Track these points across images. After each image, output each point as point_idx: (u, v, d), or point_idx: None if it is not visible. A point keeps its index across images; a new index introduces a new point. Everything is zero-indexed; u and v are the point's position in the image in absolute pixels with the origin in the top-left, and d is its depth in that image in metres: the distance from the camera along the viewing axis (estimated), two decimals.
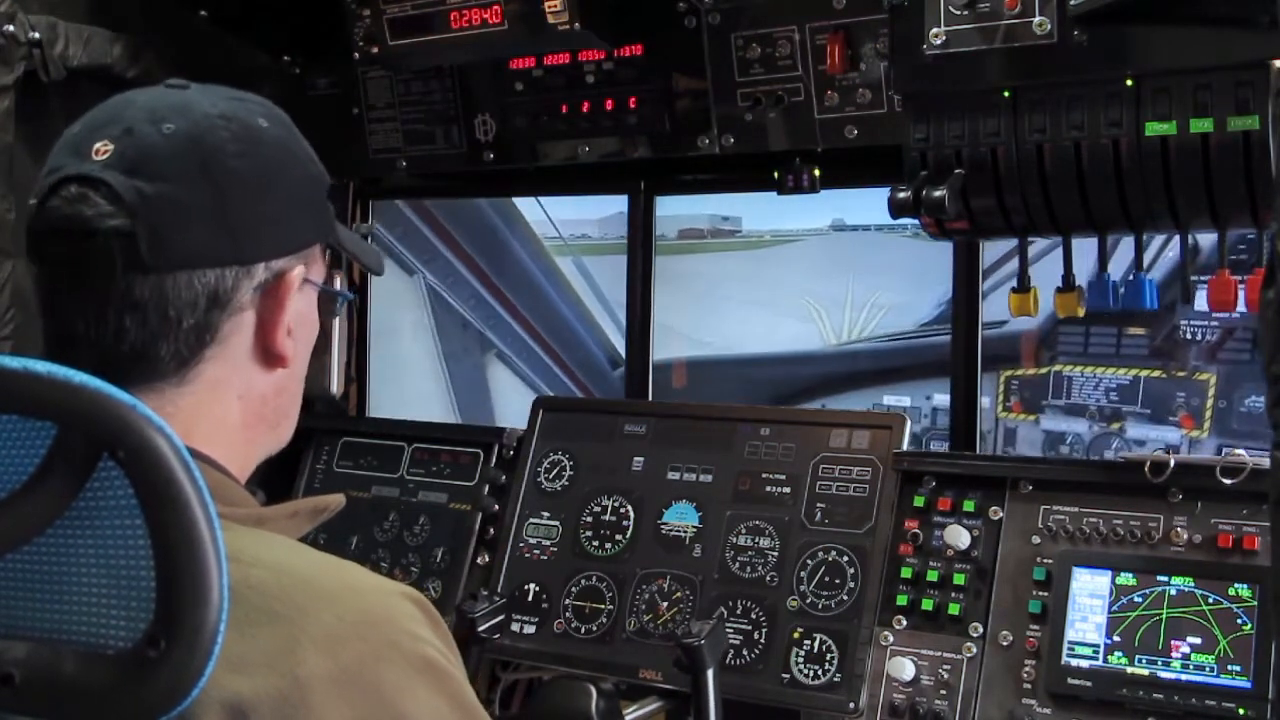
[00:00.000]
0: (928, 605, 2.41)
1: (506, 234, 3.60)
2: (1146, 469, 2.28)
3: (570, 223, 3.50)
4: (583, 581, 2.76)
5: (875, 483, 2.57)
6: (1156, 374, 2.61)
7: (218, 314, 1.26)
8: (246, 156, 1.26)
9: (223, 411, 1.30)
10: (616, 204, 3.39)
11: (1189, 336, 2.56)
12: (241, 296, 1.27)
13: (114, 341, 1.22)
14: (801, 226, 3.12)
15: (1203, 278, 2.24)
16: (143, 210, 1.20)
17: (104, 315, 1.22)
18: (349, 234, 1.53)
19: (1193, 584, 2.21)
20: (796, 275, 3.15)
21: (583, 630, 2.71)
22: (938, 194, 2.07)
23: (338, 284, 1.85)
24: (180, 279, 1.22)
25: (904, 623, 2.43)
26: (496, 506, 2.94)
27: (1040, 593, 2.33)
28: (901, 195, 2.12)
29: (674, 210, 3.34)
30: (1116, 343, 2.64)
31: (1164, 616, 2.21)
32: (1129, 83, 1.98)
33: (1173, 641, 2.19)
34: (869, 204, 2.99)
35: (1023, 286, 2.27)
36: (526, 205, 3.54)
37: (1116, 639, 2.23)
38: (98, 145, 1.23)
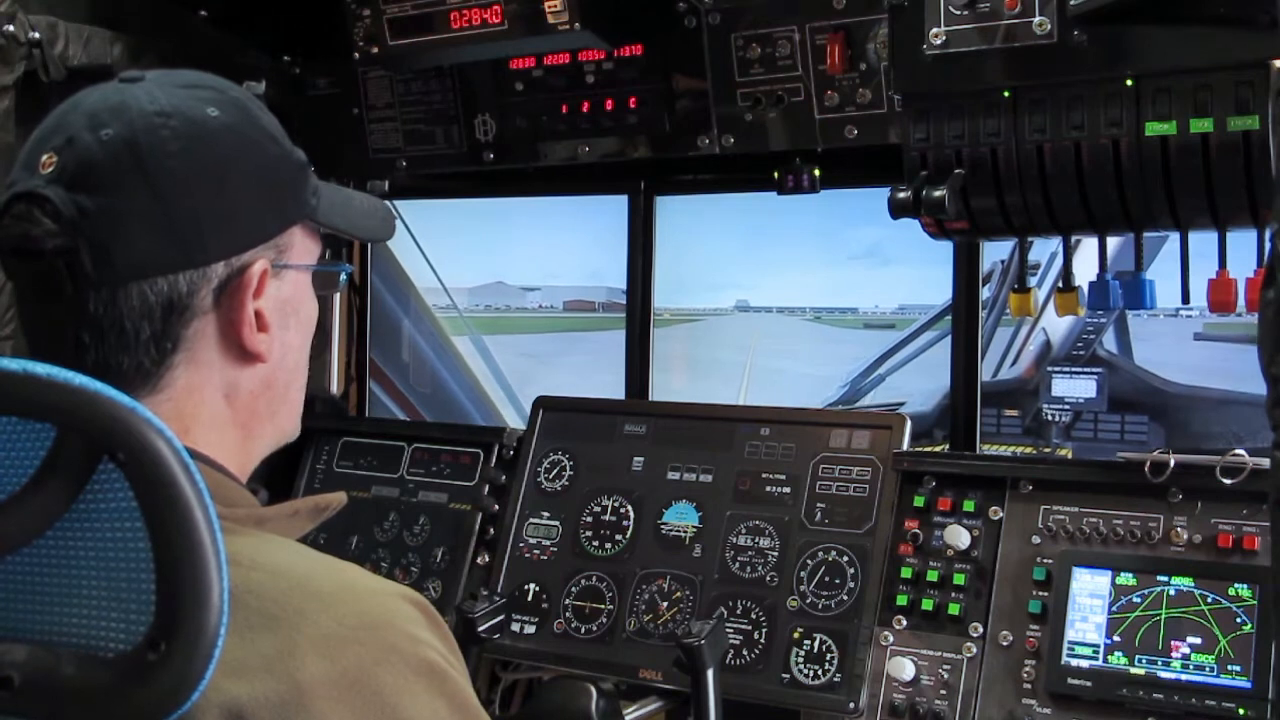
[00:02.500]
0: (928, 605, 2.41)
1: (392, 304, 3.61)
2: (1146, 469, 2.28)
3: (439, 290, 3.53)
4: (583, 581, 2.76)
5: (875, 483, 2.57)
6: (1028, 450, 2.81)
7: (176, 321, 1.23)
8: (188, 154, 1.22)
9: (211, 413, 1.29)
10: (490, 270, 3.43)
11: (1050, 418, 2.81)
12: (200, 300, 1.24)
13: (75, 357, 1.20)
14: (705, 305, 3.18)
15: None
16: (84, 226, 1.18)
17: (63, 332, 1.21)
18: (344, 204, 1.46)
19: (1193, 584, 2.21)
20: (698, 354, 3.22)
21: (583, 630, 2.71)
22: (938, 194, 2.07)
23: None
24: (132, 291, 1.20)
25: (904, 623, 2.43)
26: (496, 506, 2.94)
27: (1040, 593, 2.33)
28: (901, 195, 2.12)
29: (565, 279, 3.36)
30: (997, 422, 2.85)
31: (1164, 616, 2.21)
32: (1129, 83, 1.97)
33: (1173, 641, 2.19)
34: (774, 284, 3.12)
35: (1022, 286, 2.27)
36: (418, 270, 3.55)
37: (1116, 639, 2.23)
38: (44, 158, 1.21)
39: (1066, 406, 2.77)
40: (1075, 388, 2.76)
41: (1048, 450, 2.77)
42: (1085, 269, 2.28)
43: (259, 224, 1.30)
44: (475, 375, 3.50)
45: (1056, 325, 2.78)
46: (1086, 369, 2.75)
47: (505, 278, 3.49)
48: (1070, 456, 2.75)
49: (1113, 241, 2.22)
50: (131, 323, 1.21)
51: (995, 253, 2.81)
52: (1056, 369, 2.79)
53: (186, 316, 1.24)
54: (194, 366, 1.26)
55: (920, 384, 2.92)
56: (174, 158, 1.21)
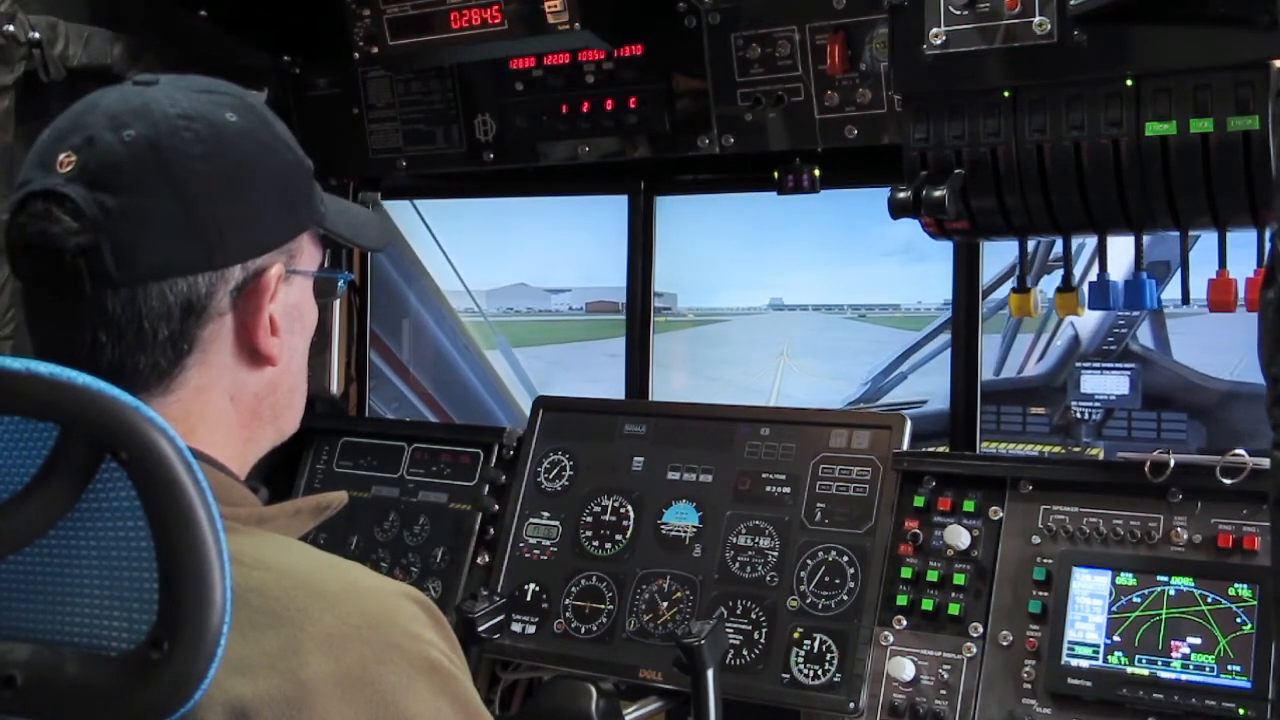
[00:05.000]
0: (928, 605, 2.41)
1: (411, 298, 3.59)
2: (1146, 469, 2.29)
3: (462, 293, 3.49)
4: (583, 581, 2.76)
5: (875, 483, 2.57)
6: (1056, 449, 2.74)
7: (193, 322, 1.24)
8: (211, 157, 1.23)
9: (216, 414, 1.29)
10: (512, 272, 3.42)
11: (1079, 416, 2.74)
12: (217, 302, 1.25)
13: (90, 357, 1.20)
14: (736, 304, 3.15)
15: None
16: (107, 225, 1.18)
17: (79, 331, 1.20)
18: (345, 212, 1.48)
19: (1193, 584, 2.21)
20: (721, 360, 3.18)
21: (583, 630, 2.71)
22: (938, 194, 2.08)
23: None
24: (151, 291, 1.20)
25: (904, 623, 2.43)
26: (496, 506, 2.94)
27: (1040, 593, 2.33)
28: (901, 195, 2.12)
29: (586, 280, 3.32)
30: (1023, 421, 2.80)
31: (1164, 616, 2.21)
32: (1129, 83, 1.98)
33: (1173, 641, 2.19)
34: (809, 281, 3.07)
35: (1022, 287, 2.27)
36: (440, 271, 3.53)
37: (1116, 639, 2.23)
38: (61, 157, 1.21)
39: (1097, 404, 2.69)
40: (1106, 384, 2.68)
41: (1076, 450, 2.72)
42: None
43: (275, 228, 1.31)
44: (499, 375, 3.49)
45: (1085, 320, 2.68)
46: (1118, 364, 2.68)
47: (527, 279, 3.47)
48: (1100, 456, 2.71)
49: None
50: (150, 323, 1.21)
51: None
52: (1086, 365, 2.72)
53: (204, 318, 1.25)
54: (206, 368, 1.27)
55: (943, 383, 2.86)
56: (197, 160, 1.22)
